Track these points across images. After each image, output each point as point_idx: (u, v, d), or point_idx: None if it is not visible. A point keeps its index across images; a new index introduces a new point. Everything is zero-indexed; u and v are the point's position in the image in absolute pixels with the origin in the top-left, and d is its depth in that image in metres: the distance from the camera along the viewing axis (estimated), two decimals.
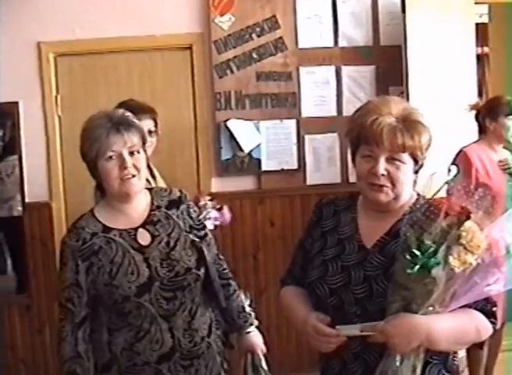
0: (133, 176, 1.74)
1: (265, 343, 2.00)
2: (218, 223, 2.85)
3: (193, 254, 1.81)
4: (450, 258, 1.30)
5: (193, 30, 3.54)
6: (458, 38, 3.50)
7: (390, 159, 1.45)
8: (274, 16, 3.54)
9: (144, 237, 1.80)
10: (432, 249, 1.31)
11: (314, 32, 3.57)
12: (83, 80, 3.57)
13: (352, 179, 3.51)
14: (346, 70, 3.59)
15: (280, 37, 3.55)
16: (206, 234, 1.93)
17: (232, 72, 3.55)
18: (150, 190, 1.92)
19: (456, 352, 1.54)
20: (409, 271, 1.31)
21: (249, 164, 3.57)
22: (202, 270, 1.81)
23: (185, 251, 1.80)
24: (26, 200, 3.56)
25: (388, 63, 3.54)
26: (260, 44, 3.54)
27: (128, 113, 1.82)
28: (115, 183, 1.74)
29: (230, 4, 3.51)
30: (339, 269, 1.52)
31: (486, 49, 4.22)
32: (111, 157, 1.71)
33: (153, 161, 3.69)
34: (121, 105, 2.93)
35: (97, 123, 1.74)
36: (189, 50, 3.56)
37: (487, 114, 3.12)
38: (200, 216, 2.64)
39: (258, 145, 3.55)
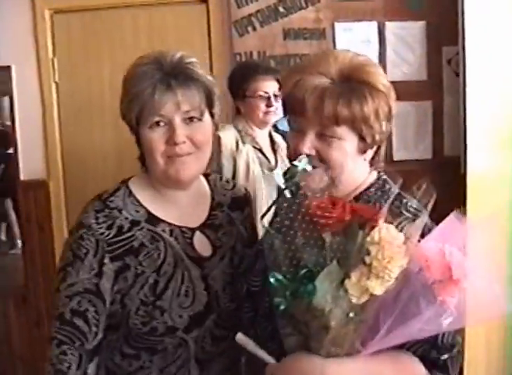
0: (189, 154, 1.38)
1: None
2: None
3: (259, 281, 1.45)
4: (347, 284, 1.07)
5: None
6: None
7: (321, 134, 1.25)
8: None
9: (203, 245, 1.45)
10: (303, 272, 1.10)
11: None
12: (83, 41, 3.52)
13: (397, 156, 3.41)
14: (390, 27, 3.42)
15: None
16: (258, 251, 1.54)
17: (254, 29, 3.43)
18: (207, 176, 1.56)
19: None
20: (276, 300, 1.12)
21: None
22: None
23: (250, 274, 1.46)
24: (21, 178, 3.56)
25: (441, 18, 3.36)
26: None
27: (190, 58, 1.41)
28: (159, 161, 1.37)
29: None
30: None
31: None
32: (157, 123, 1.35)
33: None
34: (240, 65, 3.01)
35: (141, 71, 1.36)
36: (204, 3, 3.46)
37: None
38: None
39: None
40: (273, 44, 3.44)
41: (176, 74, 1.35)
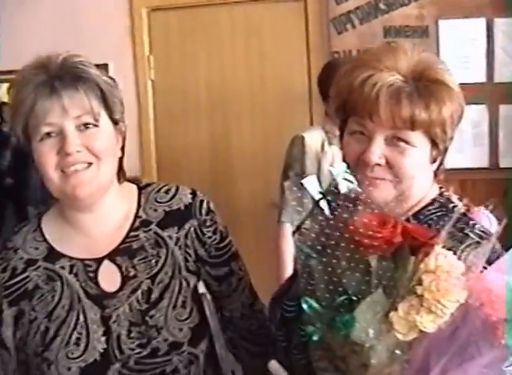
0: (87, 165, 1.19)
1: None
2: None
3: (191, 316, 1.25)
4: (393, 317, 0.92)
5: None
6: None
7: (392, 139, 1.13)
8: None
9: (110, 278, 1.24)
10: (341, 299, 0.95)
11: None
12: (180, 39, 3.58)
13: (504, 163, 3.26)
14: (500, 23, 3.27)
15: None
16: (231, 273, 1.33)
17: (353, 26, 3.39)
18: (141, 189, 1.33)
19: None
20: (309, 329, 0.97)
21: None
22: (203, 345, 1.25)
23: (175, 310, 1.24)
24: None
25: None
26: None
27: (79, 58, 1.23)
28: (53, 176, 1.19)
29: None
30: None
31: None
32: (48, 135, 1.18)
33: (256, 135, 3.66)
34: (325, 65, 2.89)
35: (23, 77, 1.20)
36: (302, 1, 3.44)
37: None
38: None
39: None
40: (373, 43, 3.29)
41: (61, 76, 1.18)
